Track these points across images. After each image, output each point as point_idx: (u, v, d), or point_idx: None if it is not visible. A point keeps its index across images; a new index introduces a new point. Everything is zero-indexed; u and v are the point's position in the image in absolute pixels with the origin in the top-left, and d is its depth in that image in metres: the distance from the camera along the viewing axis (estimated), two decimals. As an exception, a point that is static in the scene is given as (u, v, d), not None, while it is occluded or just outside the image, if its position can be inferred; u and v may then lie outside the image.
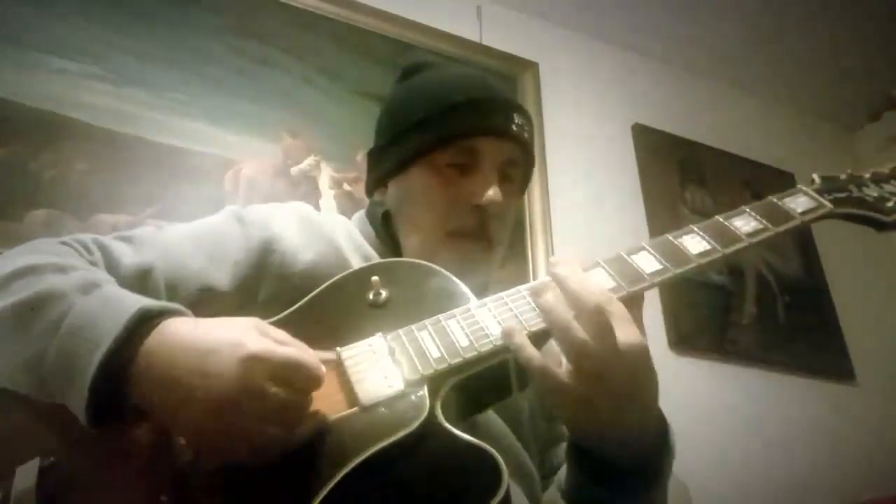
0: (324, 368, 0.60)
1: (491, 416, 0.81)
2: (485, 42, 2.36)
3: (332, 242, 0.85)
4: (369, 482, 0.57)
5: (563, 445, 0.82)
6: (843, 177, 0.86)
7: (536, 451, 0.87)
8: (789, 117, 3.01)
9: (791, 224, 0.78)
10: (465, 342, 0.66)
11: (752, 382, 2.23)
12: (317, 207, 1.43)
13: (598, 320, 0.61)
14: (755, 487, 2.04)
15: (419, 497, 0.58)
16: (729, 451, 2.05)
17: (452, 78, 0.95)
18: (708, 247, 0.74)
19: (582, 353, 0.61)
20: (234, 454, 0.56)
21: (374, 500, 0.58)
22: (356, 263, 0.83)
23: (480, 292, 0.74)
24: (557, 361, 0.62)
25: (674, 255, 0.73)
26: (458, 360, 0.65)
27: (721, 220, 0.78)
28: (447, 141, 0.88)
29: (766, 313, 2.39)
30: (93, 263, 0.73)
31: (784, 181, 2.56)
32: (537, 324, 0.67)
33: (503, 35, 2.41)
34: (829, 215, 0.81)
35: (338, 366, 0.66)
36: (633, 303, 0.69)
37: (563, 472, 0.77)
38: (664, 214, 2.34)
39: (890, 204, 0.83)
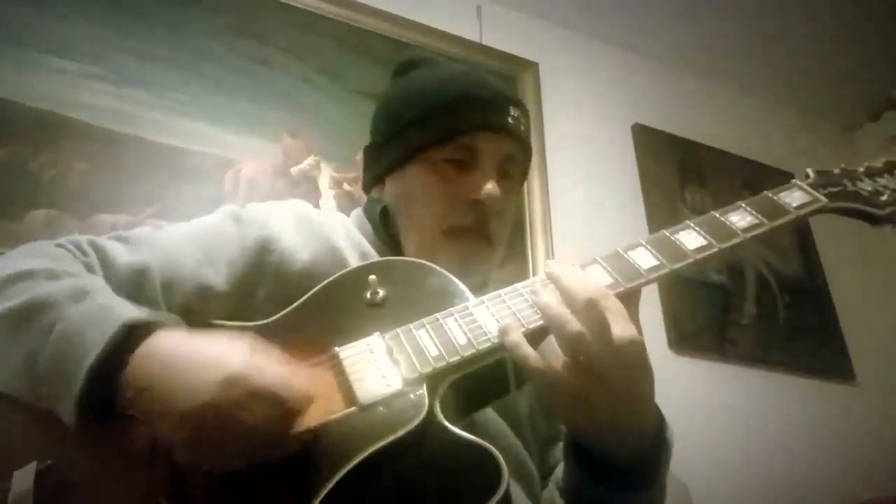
0: (309, 392, 0.59)
1: (490, 416, 0.81)
2: (485, 42, 2.36)
3: (330, 241, 0.85)
4: (369, 482, 0.57)
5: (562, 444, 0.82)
6: (836, 171, 0.86)
7: (536, 450, 0.87)
8: (789, 117, 3.01)
9: (786, 218, 0.78)
10: (463, 340, 0.66)
11: (752, 382, 2.23)
12: (317, 207, 1.43)
13: (593, 315, 0.61)
14: (755, 487, 2.04)
15: (419, 496, 0.58)
16: (729, 451, 2.05)
17: (449, 74, 0.94)
18: (704, 242, 0.74)
19: (578, 346, 0.61)
20: (210, 468, 0.56)
21: (374, 499, 0.58)
22: (354, 262, 0.83)
23: (480, 290, 0.74)
24: (555, 358, 0.62)
25: (670, 250, 0.74)
26: (456, 358, 0.65)
27: (717, 215, 0.78)
28: (445, 137, 0.87)
29: (766, 313, 2.39)
30: (88, 265, 0.73)
31: (784, 181, 2.50)
32: (535, 321, 0.67)
33: (503, 35, 2.41)
34: (823, 209, 0.81)
35: (336, 365, 0.66)
36: (630, 300, 0.69)
37: (560, 470, 0.77)
38: (664, 214, 2.34)
39: (884, 198, 0.83)
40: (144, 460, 0.57)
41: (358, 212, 0.98)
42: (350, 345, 0.68)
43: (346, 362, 0.66)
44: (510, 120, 0.89)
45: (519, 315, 0.68)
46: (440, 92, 0.90)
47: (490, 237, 0.87)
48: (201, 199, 1.70)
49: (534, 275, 1.98)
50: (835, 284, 2.59)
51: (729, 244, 0.75)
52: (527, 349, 0.63)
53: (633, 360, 0.62)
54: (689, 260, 0.73)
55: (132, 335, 0.59)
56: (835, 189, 0.82)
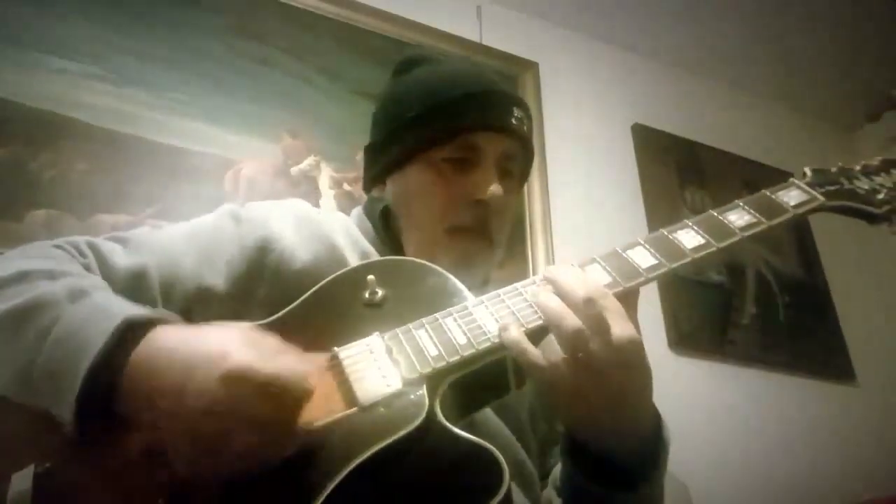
0: (310, 385, 0.58)
1: (490, 417, 0.81)
2: (485, 42, 2.36)
3: (330, 240, 0.84)
4: (370, 482, 0.57)
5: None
6: (833, 170, 0.86)
7: (536, 451, 0.87)
8: (789, 117, 3.01)
9: (784, 217, 0.78)
10: (462, 340, 0.66)
11: (752, 382, 2.23)
12: (317, 207, 1.43)
13: (592, 312, 0.61)
14: (755, 487, 2.04)
15: (420, 496, 0.58)
16: (729, 451, 2.05)
17: (449, 72, 0.93)
18: (702, 241, 0.74)
19: (577, 343, 0.61)
20: (214, 468, 0.55)
21: (375, 499, 0.58)
22: (354, 261, 0.83)
23: (481, 289, 0.74)
24: (554, 355, 0.62)
25: (668, 249, 0.74)
26: (456, 358, 0.65)
27: (715, 214, 0.78)
28: (446, 137, 0.87)
29: (766, 313, 2.38)
30: (86, 266, 0.72)
31: (784, 181, 2.55)
32: (534, 321, 0.67)
33: (503, 35, 2.41)
34: (821, 208, 0.81)
35: (336, 366, 0.65)
36: (629, 300, 0.69)
37: (557, 470, 0.77)
38: (664, 214, 2.34)
39: (880, 196, 0.83)
40: (143, 462, 0.57)
41: (358, 211, 0.98)
42: (349, 345, 0.67)
43: (345, 363, 0.65)
44: (513, 120, 0.89)
45: (518, 315, 0.68)
46: (441, 91, 0.89)
47: (490, 237, 0.87)
48: (201, 199, 1.70)
49: (534, 275, 1.99)
50: (835, 284, 2.59)
51: (727, 243, 0.75)
52: (526, 345, 0.64)
53: (632, 358, 0.62)
54: (688, 259, 0.73)
55: (132, 333, 0.59)
56: (832, 188, 0.83)
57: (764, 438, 2.14)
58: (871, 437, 2.30)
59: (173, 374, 0.56)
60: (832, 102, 2.98)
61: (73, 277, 0.67)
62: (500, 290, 0.72)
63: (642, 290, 0.72)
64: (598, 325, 0.61)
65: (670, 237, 0.75)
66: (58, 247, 0.74)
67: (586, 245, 2.08)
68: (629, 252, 0.74)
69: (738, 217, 0.77)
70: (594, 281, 0.68)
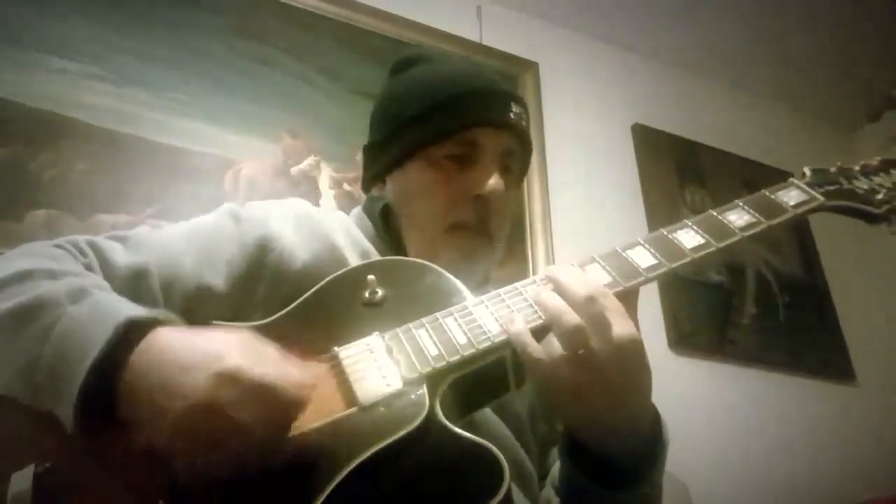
0: (302, 391, 0.58)
1: (490, 417, 0.81)
2: (485, 42, 2.36)
3: (330, 240, 0.84)
4: (370, 482, 0.57)
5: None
6: (833, 170, 0.86)
7: (536, 452, 0.87)
8: (789, 117, 3.01)
9: (784, 217, 0.78)
10: (462, 340, 0.66)
11: (752, 382, 2.23)
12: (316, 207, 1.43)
13: (592, 310, 0.62)
14: (755, 487, 2.04)
15: (420, 496, 0.58)
16: (729, 451, 2.05)
17: (447, 70, 0.94)
18: (702, 241, 0.75)
19: (577, 340, 0.61)
20: (206, 468, 0.55)
21: (376, 499, 0.58)
22: (354, 260, 0.83)
23: (482, 287, 0.74)
24: (555, 352, 0.63)
25: (668, 249, 0.74)
26: (456, 357, 0.65)
27: (715, 214, 0.78)
28: (445, 134, 0.87)
29: (766, 313, 2.38)
30: (87, 266, 0.72)
31: (783, 181, 2.55)
32: (534, 320, 0.67)
33: (503, 35, 2.41)
34: (820, 208, 0.81)
35: (336, 366, 0.65)
36: (629, 299, 0.69)
37: (556, 469, 0.77)
38: (664, 214, 2.34)
39: (880, 196, 0.83)
40: (144, 463, 0.57)
41: (358, 210, 0.98)
42: (349, 345, 0.67)
43: (345, 362, 0.65)
44: (511, 115, 0.89)
45: (518, 314, 0.68)
46: (439, 88, 0.89)
47: (490, 234, 0.87)
48: (201, 199, 1.70)
49: (534, 274, 1.99)
50: (835, 284, 2.59)
51: (727, 243, 0.75)
52: (529, 339, 0.64)
53: (632, 357, 0.62)
54: (688, 259, 0.73)
55: (133, 333, 0.59)
56: (832, 188, 0.83)
57: (764, 438, 2.14)
58: (871, 437, 2.30)
59: (169, 374, 0.56)
60: (832, 102, 2.98)
61: (74, 277, 0.67)
62: (501, 290, 0.72)
63: (642, 289, 0.72)
64: (599, 323, 0.61)
65: (670, 237, 0.75)
66: (58, 246, 0.74)
67: (586, 245, 2.08)
68: (629, 252, 0.74)
69: (738, 217, 0.77)
70: (595, 280, 0.68)
